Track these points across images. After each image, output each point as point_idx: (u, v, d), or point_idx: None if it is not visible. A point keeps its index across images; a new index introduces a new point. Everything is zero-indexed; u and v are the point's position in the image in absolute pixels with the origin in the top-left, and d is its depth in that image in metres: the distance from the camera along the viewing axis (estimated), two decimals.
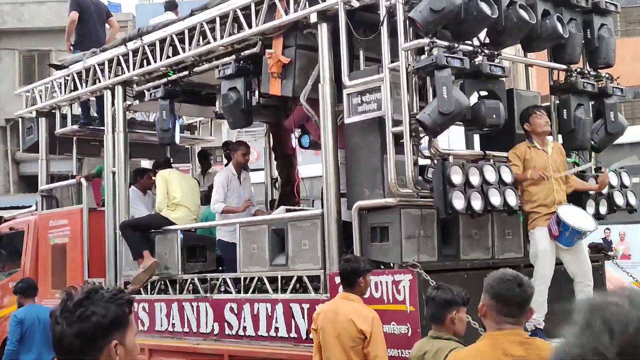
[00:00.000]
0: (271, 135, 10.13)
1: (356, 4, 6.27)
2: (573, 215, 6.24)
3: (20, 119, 10.60)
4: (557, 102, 7.17)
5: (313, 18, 6.55)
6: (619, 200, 7.02)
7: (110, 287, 2.72)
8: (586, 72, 7.19)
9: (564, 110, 6.94)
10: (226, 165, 10.23)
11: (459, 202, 5.74)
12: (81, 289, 2.20)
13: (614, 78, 7.27)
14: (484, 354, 3.22)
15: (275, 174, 10.40)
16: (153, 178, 9.06)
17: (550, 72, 7.36)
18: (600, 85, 7.13)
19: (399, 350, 5.64)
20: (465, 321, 4.68)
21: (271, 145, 10.32)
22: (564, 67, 7.13)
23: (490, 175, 5.97)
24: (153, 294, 8.18)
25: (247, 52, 7.39)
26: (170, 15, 10.26)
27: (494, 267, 6.37)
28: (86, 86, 9.13)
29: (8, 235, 10.82)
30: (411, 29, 5.95)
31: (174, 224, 8.17)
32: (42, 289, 9.57)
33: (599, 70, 7.29)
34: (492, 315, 3.27)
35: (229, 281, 7.42)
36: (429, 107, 5.66)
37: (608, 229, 10.67)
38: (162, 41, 8.03)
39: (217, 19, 7.41)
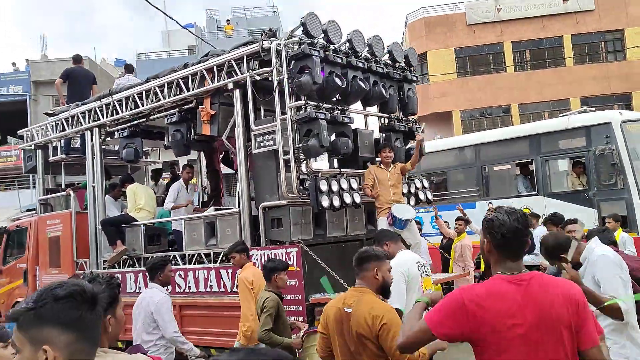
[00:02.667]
0: (204, 157, 10.02)
1: (257, 78, 6.34)
2: (401, 210, 6.52)
3: (22, 150, 10.14)
4: (384, 136, 7.43)
5: (230, 86, 6.59)
6: (422, 196, 7.45)
7: (104, 275, 2.31)
8: (400, 118, 7.50)
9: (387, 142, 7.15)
10: (171, 179, 10.24)
11: (325, 202, 5.99)
12: (82, 276, 2.07)
13: (417, 121, 7.66)
14: (335, 300, 3.16)
15: (205, 183, 10.49)
16: (122, 190, 9.01)
17: (379, 119, 7.60)
18: (409, 126, 7.49)
19: (291, 295, 5.85)
20: (284, 280, 4.99)
21: (203, 163, 10.28)
22: (387, 115, 7.43)
23: (344, 184, 6.23)
24: (124, 267, 8.07)
25: (186, 106, 7.35)
26: (130, 76, 10.03)
27: (348, 241, 6.80)
28: (71, 128, 8.89)
29: (15, 231, 10.40)
30: (293, 93, 6.09)
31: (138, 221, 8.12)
32: (42, 267, 9.36)
33: (408, 117, 7.61)
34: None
35: (177, 257, 7.39)
36: (310, 142, 5.88)
37: (491, 202, 10.63)
38: (127, 98, 7.93)
39: (165, 85, 7.35)
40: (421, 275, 4.37)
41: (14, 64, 20.65)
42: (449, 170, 12.50)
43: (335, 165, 7.21)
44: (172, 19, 9.16)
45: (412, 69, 7.57)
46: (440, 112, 25.41)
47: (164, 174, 11.19)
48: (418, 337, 2.24)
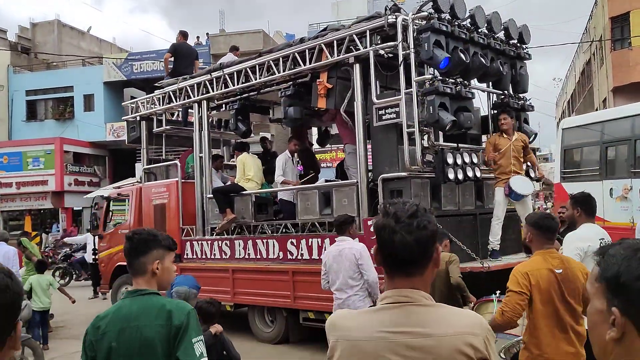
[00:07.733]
0: (294, 134, 9.62)
1: (381, 52, 6.37)
2: (519, 183, 6.49)
3: (126, 122, 10.47)
4: (494, 112, 7.36)
5: (350, 60, 6.69)
6: (532, 174, 7.17)
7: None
8: (512, 95, 7.47)
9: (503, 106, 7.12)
10: (263, 153, 10.37)
11: (451, 174, 6.08)
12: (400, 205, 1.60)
13: (527, 99, 7.58)
14: (539, 263, 3.17)
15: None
16: (223, 162, 9.20)
17: (488, 96, 7.57)
18: (520, 103, 7.46)
19: None
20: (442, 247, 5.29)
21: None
22: (500, 92, 7.41)
23: (467, 158, 6.30)
24: (233, 234, 8.33)
25: (299, 80, 7.50)
26: (231, 54, 9.86)
27: (460, 215, 6.90)
28: (178, 100, 9.10)
29: (116, 199, 10.83)
30: (418, 68, 6.18)
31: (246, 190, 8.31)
32: None
33: (519, 94, 7.56)
34: (537, 240, 3.23)
35: (289, 225, 7.59)
36: (442, 116, 5.96)
37: None
38: (239, 72, 8.07)
39: (280, 59, 7.46)
40: None
41: (197, 37, 20.83)
42: None
43: (441, 140, 7.19)
44: None
45: (524, 46, 7.49)
46: None
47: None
48: None
